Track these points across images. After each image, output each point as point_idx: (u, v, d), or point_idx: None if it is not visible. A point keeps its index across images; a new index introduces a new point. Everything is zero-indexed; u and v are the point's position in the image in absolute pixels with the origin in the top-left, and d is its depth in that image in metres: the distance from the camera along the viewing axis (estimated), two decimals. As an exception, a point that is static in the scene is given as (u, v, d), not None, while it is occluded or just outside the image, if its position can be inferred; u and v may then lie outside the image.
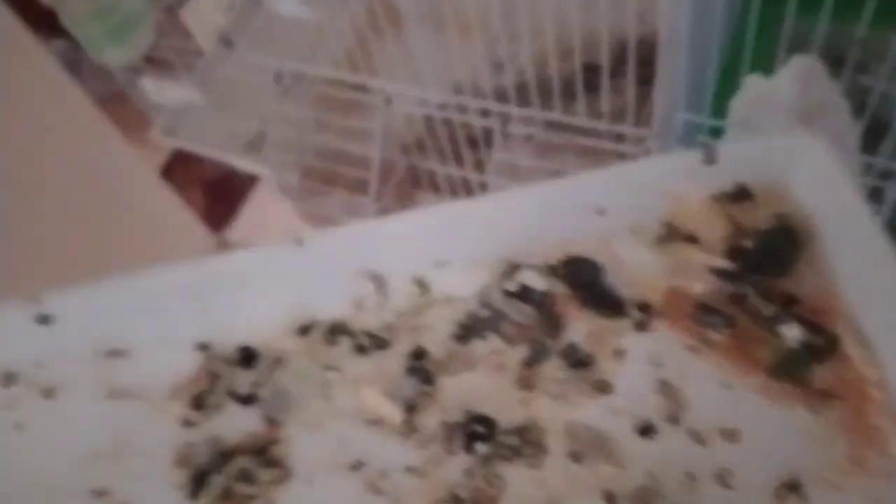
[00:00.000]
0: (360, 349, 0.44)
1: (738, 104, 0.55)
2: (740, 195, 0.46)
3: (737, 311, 0.44)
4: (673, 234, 0.46)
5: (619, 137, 0.58)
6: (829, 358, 0.43)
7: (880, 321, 0.42)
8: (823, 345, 0.43)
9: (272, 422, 0.42)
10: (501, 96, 0.70)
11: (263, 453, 0.41)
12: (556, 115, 0.60)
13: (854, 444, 0.40)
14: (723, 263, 0.45)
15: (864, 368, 0.42)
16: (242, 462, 0.40)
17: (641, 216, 0.46)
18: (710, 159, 0.44)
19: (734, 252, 0.45)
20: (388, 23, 0.68)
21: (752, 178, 0.46)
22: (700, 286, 0.45)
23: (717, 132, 0.54)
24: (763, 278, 0.45)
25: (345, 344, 0.44)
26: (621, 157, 0.59)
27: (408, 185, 0.83)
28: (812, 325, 0.43)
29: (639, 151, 0.56)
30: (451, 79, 0.73)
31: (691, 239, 0.46)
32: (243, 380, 0.43)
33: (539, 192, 0.45)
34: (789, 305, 0.44)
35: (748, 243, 0.45)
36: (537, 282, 0.44)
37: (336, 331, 0.44)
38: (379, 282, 0.45)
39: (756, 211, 0.46)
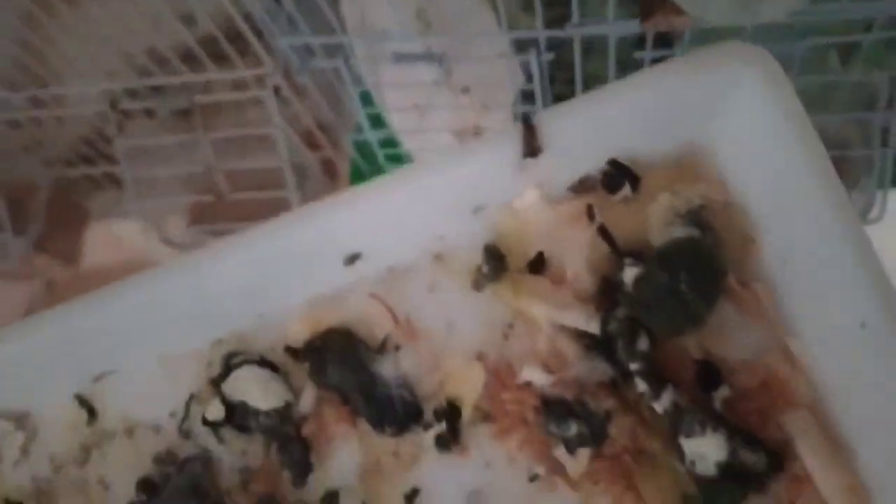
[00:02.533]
0: (-4, 539, 0.27)
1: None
2: (613, 183, 0.25)
3: (610, 408, 0.25)
4: (496, 268, 0.26)
5: (239, 84, 0.48)
6: (774, 480, 0.24)
7: (863, 400, 0.23)
8: (763, 461, 0.24)
9: None
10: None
11: None
12: (158, 80, 0.48)
13: None
14: (586, 318, 0.25)
15: (828, 489, 0.24)
16: None
17: (437, 242, 0.26)
18: (533, 147, 0.23)
19: (606, 294, 0.25)
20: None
21: (632, 147, 0.24)
22: (543, 373, 0.25)
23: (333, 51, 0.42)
24: (657, 339, 0.24)
25: (-28, 531, 0.27)
26: (257, 103, 0.47)
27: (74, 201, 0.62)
28: (740, 429, 0.24)
29: (266, 95, 0.45)
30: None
31: (533, 271, 0.26)
32: None
33: (236, 245, 0.25)
34: (707, 387, 0.24)
35: (629, 274, 0.24)
36: (263, 388, 0.26)
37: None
38: (19, 417, 0.27)
39: (640, 210, 0.25)
